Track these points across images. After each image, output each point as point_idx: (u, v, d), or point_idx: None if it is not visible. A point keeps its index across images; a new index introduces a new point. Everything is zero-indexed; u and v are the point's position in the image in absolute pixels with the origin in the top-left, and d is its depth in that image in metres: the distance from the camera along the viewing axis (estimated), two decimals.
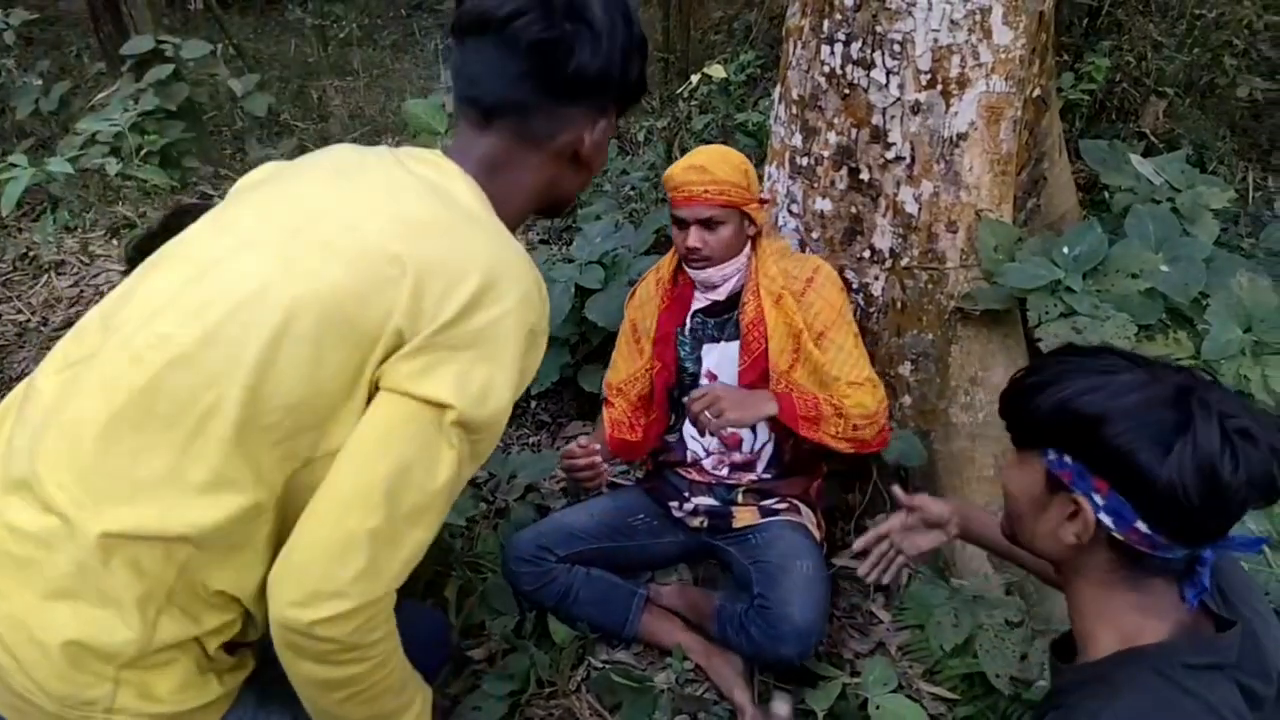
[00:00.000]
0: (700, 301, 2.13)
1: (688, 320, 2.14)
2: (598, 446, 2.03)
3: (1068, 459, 0.97)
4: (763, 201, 2.06)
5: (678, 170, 1.99)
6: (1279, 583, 1.64)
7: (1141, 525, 0.94)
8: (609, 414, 2.23)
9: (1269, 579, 1.65)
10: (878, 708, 1.87)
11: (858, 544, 1.58)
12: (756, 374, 2.06)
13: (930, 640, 1.82)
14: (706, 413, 1.87)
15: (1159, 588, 0.98)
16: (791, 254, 2.14)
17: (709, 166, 1.97)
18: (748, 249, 2.08)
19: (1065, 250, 2.05)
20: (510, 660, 2.04)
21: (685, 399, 1.96)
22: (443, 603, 2.13)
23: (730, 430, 2.11)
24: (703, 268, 2.05)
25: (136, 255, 1.44)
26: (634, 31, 1.13)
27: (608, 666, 2.08)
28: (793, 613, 1.87)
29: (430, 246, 1.00)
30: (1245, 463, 0.89)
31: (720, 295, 2.09)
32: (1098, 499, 0.96)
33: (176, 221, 1.45)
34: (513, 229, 1.12)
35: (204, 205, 1.51)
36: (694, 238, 2.00)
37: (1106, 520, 0.95)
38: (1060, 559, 1.04)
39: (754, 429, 2.12)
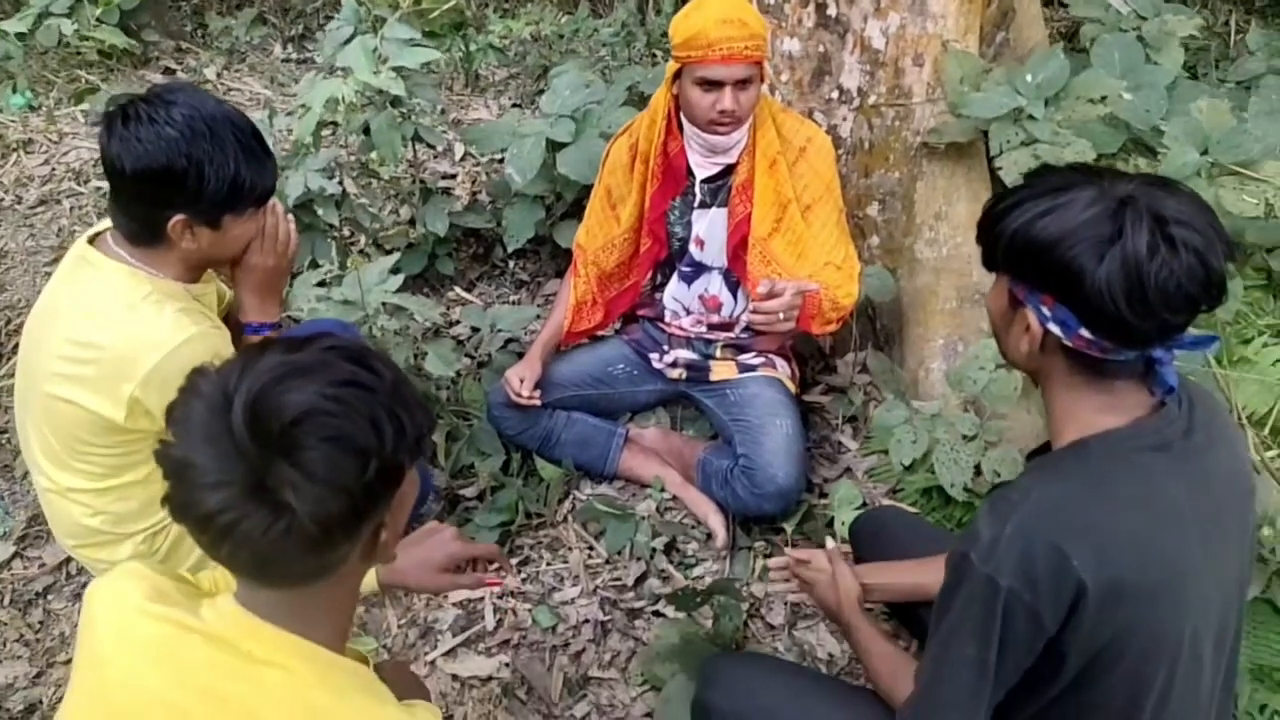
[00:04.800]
0: (707, 169, 2.04)
1: (695, 190, 2.07)
2: (538, 393, 2.08)
3: (1020, 278, 1.05)
4: None
5: (711, 24, 1.79)
6: None
7: (1085, 332, 1.00)
8: (574, 293, 2.19)
9: None
10: (843, 523, 2.01)
11: (773, 562, 1.64)
12: (739, 238, 2.05)
13: (891, 457, 1.93)
14: (782, 320, 1.86)
15: (1122, 387, 1.05)
16: (785, 111, 2.07)
17: (746, 19, 1.80)
18: None
19: (1028, 78, 2.06)
20: (499, 496, 2.16)
21: (758, 294, 1.87)
22: (430, 446, 2.24)
23: (711, 293, 2.16)
24: (730, 131, 1.92)
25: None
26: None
27: (592, 498, 2.20)
28: (776, 474, 1.97)
29: None
30: (1170, 268, 0.94)
31: (732, 158, 2.00)
32: (1045, 311, 1.03)
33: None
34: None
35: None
36: (730, 99, 1.84)
37: (1055, 330, 1.02)
38: (1031, 369, 1.12)
39: (734, 295, 2.15)
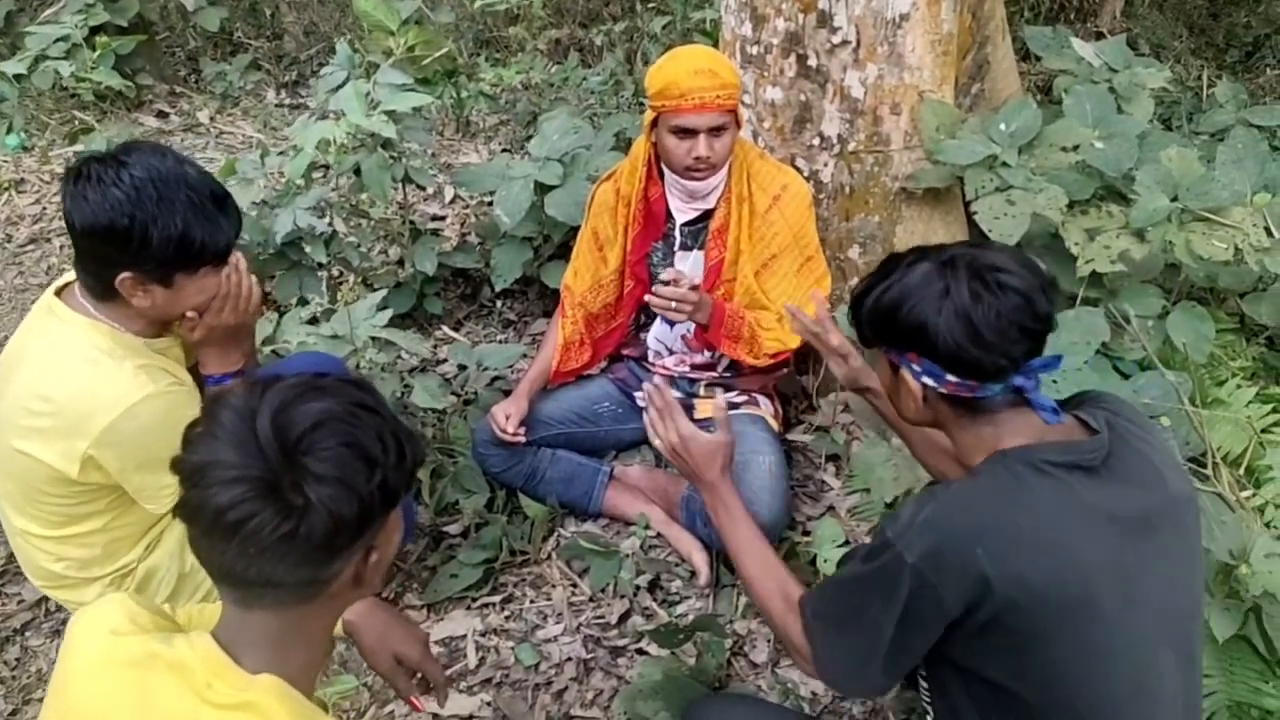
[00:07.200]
0: (686, 214, 2.10)
1: (675, 233, 2.13)
2: (523, 430, 2.10)
3: (888, 346, 1.19)
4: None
5: (683, 75, 1.86)
6: None
7: (951, 377, 1.13)
8: (562, 333, 2.22)
9: None
10: (825, 561, 2.01)
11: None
12: (714, 281, 2.10)
13: (873, 494, 1.95)
14: (674, 309, 1.92)
15: (1010, 415, 1.16)
16: (763, 158, 2.13)
17: (717, 69, 1.86)
18: None
19: (1002, 127, 2.13)
20: (483, 533, 2.16)
21: (652, 291, 1.94)
22: (416, 483, 2.24)
23: (693, 334, 2.18)
24: (706, 177, 1.99)
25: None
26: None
27: (576, 535, 2.20)
28: (759, 511, 1.97)
29: None
30: (996, 308, 1.09)
31: (710, 203, 2.06)
32: (915, 367, 1.16)
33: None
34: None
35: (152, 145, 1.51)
36: (704, 146, 1.91)
37: (930, 382, 1.15)
38: (927, 423, 1.23)
39: None
